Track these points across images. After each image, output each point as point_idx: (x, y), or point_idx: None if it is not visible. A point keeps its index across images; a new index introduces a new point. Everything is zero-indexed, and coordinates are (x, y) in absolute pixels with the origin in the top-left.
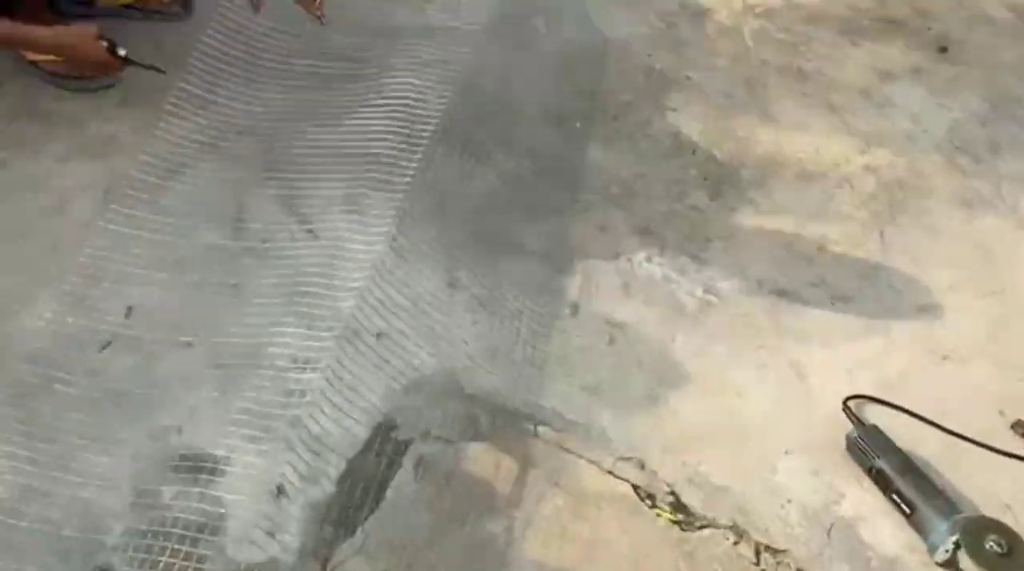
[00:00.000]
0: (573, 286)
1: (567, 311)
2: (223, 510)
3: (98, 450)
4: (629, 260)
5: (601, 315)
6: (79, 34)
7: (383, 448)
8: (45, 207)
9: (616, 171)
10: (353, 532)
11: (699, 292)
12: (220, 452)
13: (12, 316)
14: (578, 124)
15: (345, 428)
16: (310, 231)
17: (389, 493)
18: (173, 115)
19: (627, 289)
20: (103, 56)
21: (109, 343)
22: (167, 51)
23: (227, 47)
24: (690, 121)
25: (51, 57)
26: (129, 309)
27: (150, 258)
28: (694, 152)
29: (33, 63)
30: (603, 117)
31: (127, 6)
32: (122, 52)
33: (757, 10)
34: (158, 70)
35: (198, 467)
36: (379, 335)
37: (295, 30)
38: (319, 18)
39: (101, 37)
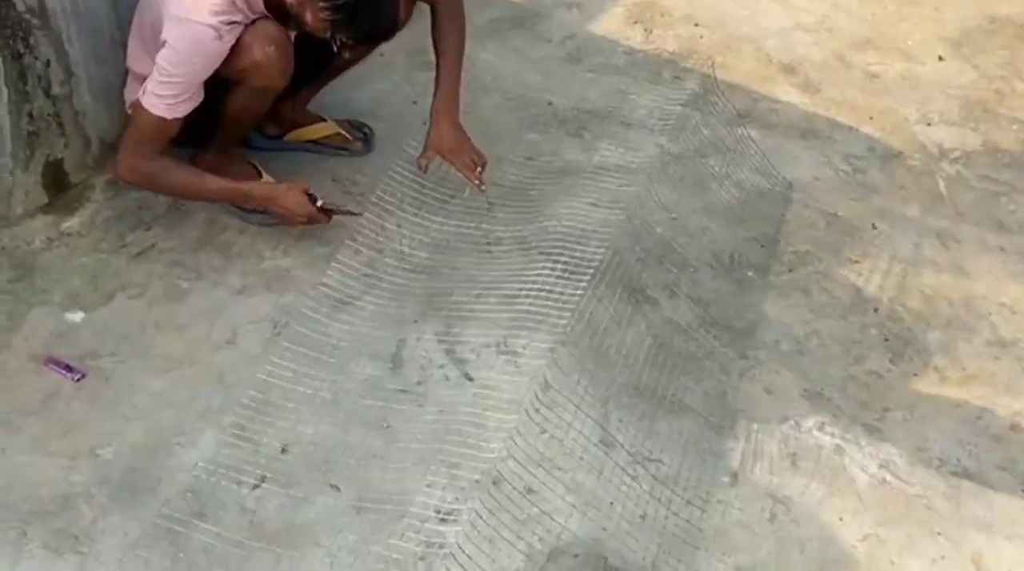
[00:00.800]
0: (735, 452)
1: (727, 480)
2: None
3: None
4: (797, 426)
5: (763, 487)
6: (289, 192)
7: None
8: (218, 340)
9: (788, 326)
10: None
11: (873, 468)
12: None
13: (175, 448)
14: (750, 273)
15: None
16: (465, 374)
17: None
18: (348, 248)
19: (793, 459)
20: (311, 211)
21: (263, 481)
22: (340, 185)
23: (404, 184)
24: (873, 275)
25: None
26: (285, 447)
27: (310, 394)
28: (876, 310)
29: None
30: (778, 266)
31: (313, 142)
32: (320, 203)
33: (953, 154)
34: (354, 214)
35: None
36: (526, 490)
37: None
38: (479, 186)
39: (307, 192)
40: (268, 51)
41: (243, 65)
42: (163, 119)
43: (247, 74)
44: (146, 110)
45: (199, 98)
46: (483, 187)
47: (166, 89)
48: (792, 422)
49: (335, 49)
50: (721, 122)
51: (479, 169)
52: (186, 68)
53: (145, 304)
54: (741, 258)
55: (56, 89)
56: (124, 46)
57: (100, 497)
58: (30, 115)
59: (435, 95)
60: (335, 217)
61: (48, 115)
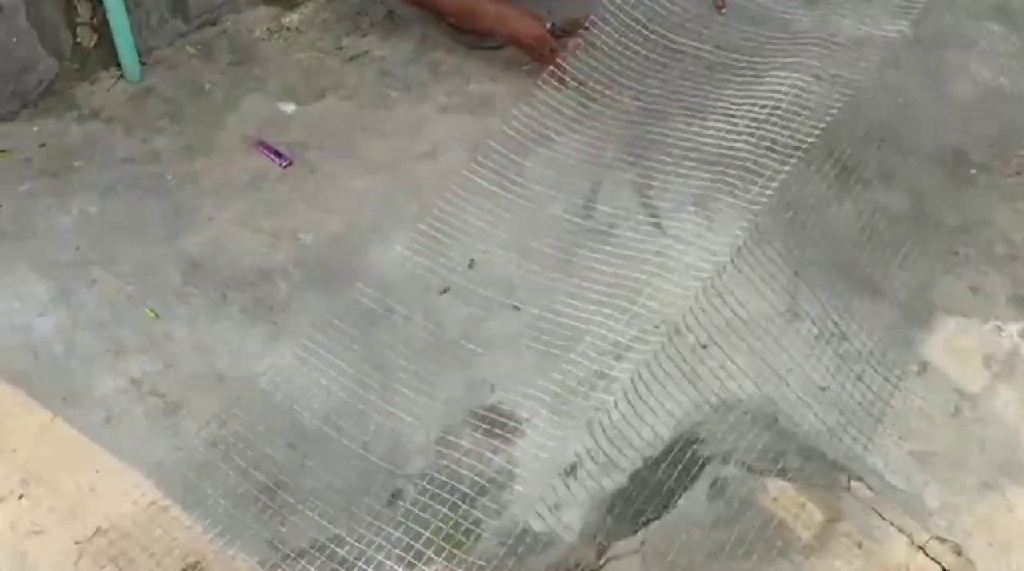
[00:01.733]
0: (928, 343)
1: (915, 368)
2: (515, 471)
3: (418, 388)
4: (999, 330)
5: (952, 381)
6: (525, 19)
7: (681, 457)
8: (419, 152)
9: (1006, 230)
10: (634, 531)
11: None
12: (525, 415)
13: (368, 245)
14: (973, 171)
15: (648, 425)
16: (657, 225)
17: (679, 504)
18: (551, 84)
19: (988, 361)
20: (544, 45)
21: (448, 289)
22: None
23: (619, 20)
24: None
25: None
26: (472, 261)
27: (501, 218)
28: None
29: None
30: (1004, 169)
31: None
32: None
33: None
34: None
35: (502, 424)
36: (704, 346)
37: (692, 11)
38: (720, 7)
39: (544, 24)
40: None
41: None
42: None
43: None
44: None
45: None
46: (724, 8)
47: None
48: (994, 324)
49: None
50: (968, 13)
51: None
52: None
53: (354, 106)
54: (966, 155)
55: None
56: None
57: (297, 276)
58: None
59: None
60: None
61: None
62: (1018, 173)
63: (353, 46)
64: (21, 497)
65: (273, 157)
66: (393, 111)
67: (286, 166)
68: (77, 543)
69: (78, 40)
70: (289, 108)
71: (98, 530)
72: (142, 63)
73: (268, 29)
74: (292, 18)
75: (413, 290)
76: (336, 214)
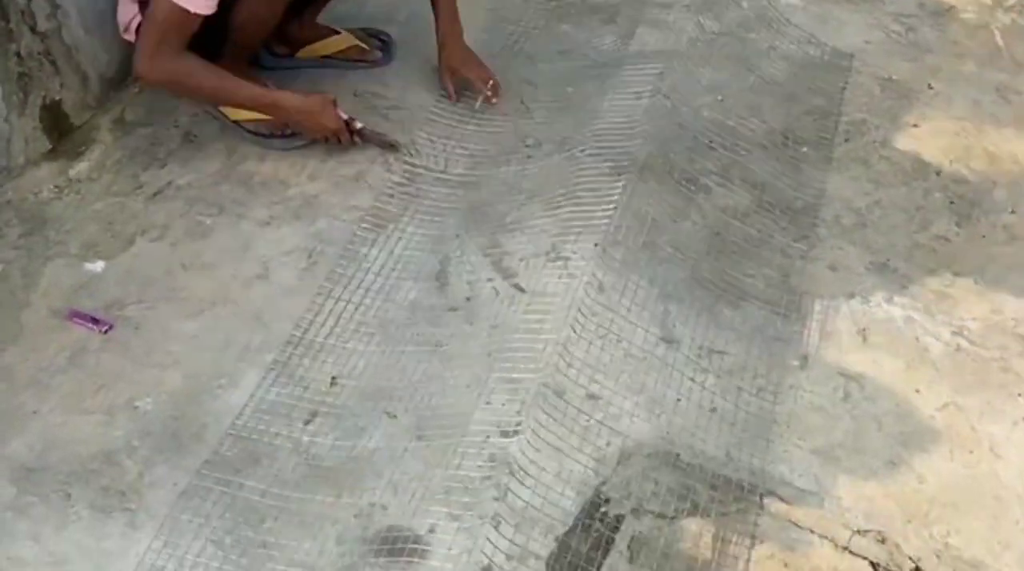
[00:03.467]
0: (802, 334)
1: (796, 363)
2: None
3: (303, 532)
4: (865, 301)
5: (834, 366)
6: (321, 103)
7: (593, 525)
8: (249, 276)
9: (849, 199)
10: None
11: (946, 335)
12: (423, 531)
13: (216, 392)
14: (805, 149)
15: (552, 502)
16: (515, 285)
17: None
18: (379, 166)
19: (864, 335)
20: (340, 126)
21: (314, 416)
22: (363, 100)
23: (428, 97)
24: (933, 137)
25: (257, 116)
26: (333, 379)
27: (355, 322)
28: (938, 173)
29: (236, 122)
30: (833, 139)
31: (326, 57)
32: (359, 125)
33: (1008, 3)
34: (394, 147)
35: (401, 549)
36: (588, 396)
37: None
38: (490, 97)
39: (336, 105)
40: None
41: None
42: (185, 12)
43: None
44: (167, 2)
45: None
46: (493, 99)
47: None
48: (859, 297)
49: None
50: None
51: (490, 82)
52: None
53: (168, 246)
54: (795, 134)
55: (43, 24)
56: None
57: (143, 450)
58: (18, 55)
59: (436, 25)
60: (366, 140)
61: (38, 54)
62: (846, 140)
63: (153, 181)
64: None
65: (90, 325)
66: (211, 239)
67: (106, 331)
68: None
69: None
70: (97, 266)
71: None
72: None
73: (56, 186)
74: (80, 168)
75: (275, 428)
76: (172, 369)
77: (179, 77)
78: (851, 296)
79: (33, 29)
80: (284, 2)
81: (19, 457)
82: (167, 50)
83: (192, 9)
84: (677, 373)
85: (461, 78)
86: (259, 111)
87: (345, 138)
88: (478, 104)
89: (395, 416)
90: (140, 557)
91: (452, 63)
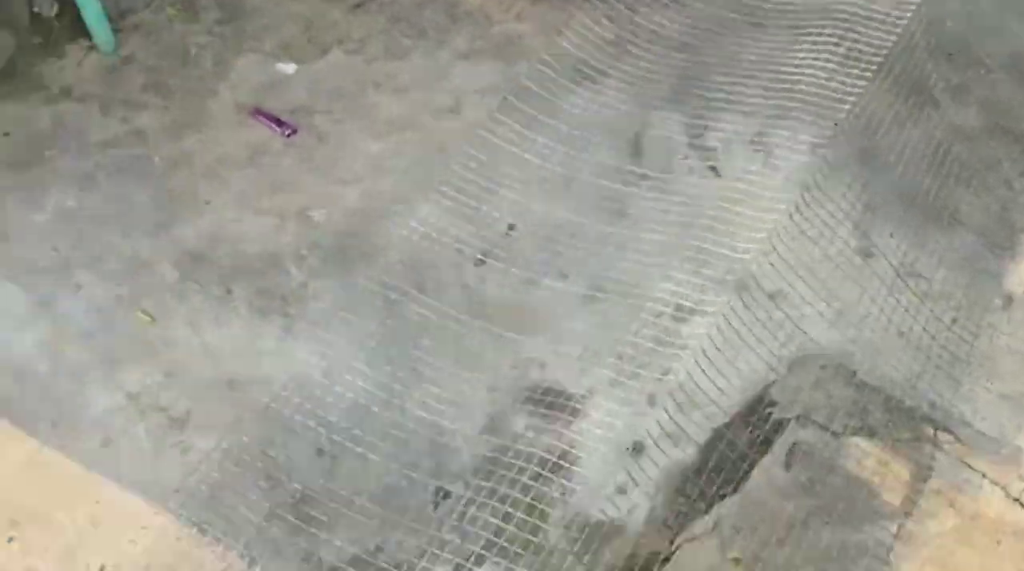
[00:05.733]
0: (1012, 273)
1: (999, 302)
2: (575, 454)
3: (458, 370)
4: None
5: None
6: None
7: (756, 423)
8: (440, 107)
9: None
10: (708, 509)
11: None
12: (582, 393)
13: (392, 216)
14: None
15: (720, 391)
16: (711, 167)
17: (755, 474)
18: (587, 15)
19: None
20: None
21: (484, 260)
22: None
23: None
24: None
25: None
26: (511, 226)
27: (540, 171)
28: None
29: None
30: None
31: None
32: None
33: None
34: None
35: (557, 404)
36: (774, 294)
37: None
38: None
39: None
40: None
41: None
42: None
43: None
44: None
45: None
46: None
47: None
48: None
49: None
50: None
51: None
52: None
53: (364, 60)
54: None
55: None
56: None
57: (311, 260)
58: None
59: None
60: None
61: None
62: None
63: None
64: (11, 540)
65: (274, 126)
66: (408, 62)
67: (289, 135)
68: None
69: (35, 10)
70: (289, 68)
71: (102, 569)
72: (115, 31)
73: None
74: None
75: (445, 264)
76: (350, 186)
77: None
78: None
79: None
80: None
81: (186, 243)
82: None
83: None
84: (872, 288)
85: None
86: None
87: None
88: None
89: (567, 276)
90: (291, 361)
91: None
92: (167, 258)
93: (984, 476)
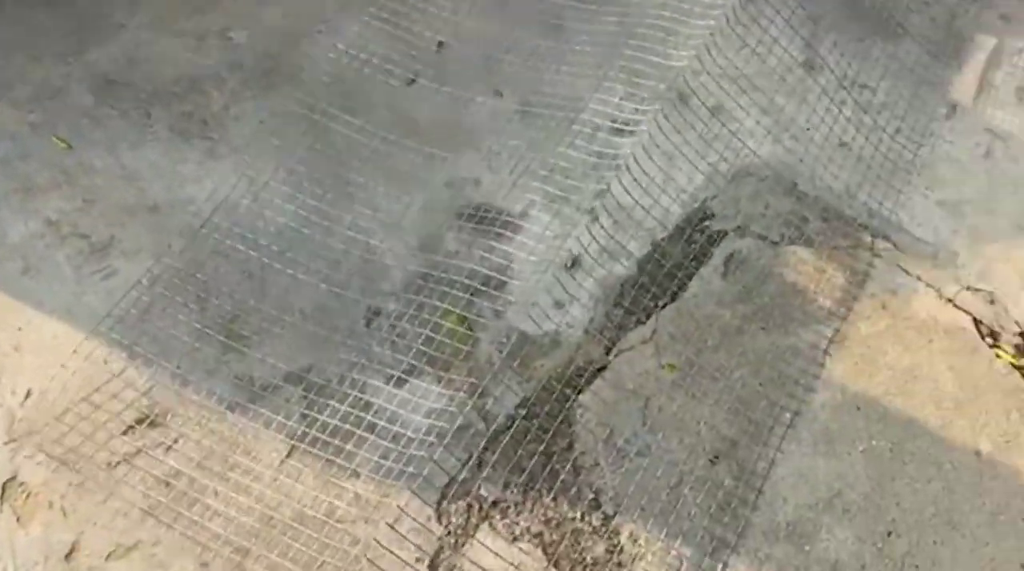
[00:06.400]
0: (956, 82)
1: (943, 111)
2: (511, 268)
3: (390, 190)
4: None
5: (982, 121)
6: None
7: (693, 235)
8: None
9: None
10: (645, 320)
11: None
12: (517, 208)
13: (316, 36)
14: None
15: (657, 204)
16: None
17: (692, 285)
18: None
19: (1021, 95)
20: None
21: (415, 79)
22: None
23: None
24: None
25: None
26: (440, 43)
27: None
28: None
29: None
30: None
31: None
32: None
33: None
34: None
35: (491, 219)
36: (714, 108)
37: None
38: None
39: None
40: None
41: None
42: None
43: None
44: None
45: None
46: None
47: None
48: None
49: None
50: None
51: None
52: None
53: None
54: None
55: None
56: None
57: (232, 82)
58: None
59: None
60: None
61: None
62: None
63: None
64: None
65: None
66: None
67: None
68: (5, 408)
69: None
70: None
71: (29, 394)
72: None
73: None
74: None
75: (374, 84)
76: (272, 4)
77: None
78: (1019, 52)
79: None
80: None
81: (100, 67)
82: None
83: None
84: (813, 98)
85: None
86: None
87: None
88: None
89: (501, 94)
90: (215, 184)
91: None
92: (81, 83)
93: (919, 279)
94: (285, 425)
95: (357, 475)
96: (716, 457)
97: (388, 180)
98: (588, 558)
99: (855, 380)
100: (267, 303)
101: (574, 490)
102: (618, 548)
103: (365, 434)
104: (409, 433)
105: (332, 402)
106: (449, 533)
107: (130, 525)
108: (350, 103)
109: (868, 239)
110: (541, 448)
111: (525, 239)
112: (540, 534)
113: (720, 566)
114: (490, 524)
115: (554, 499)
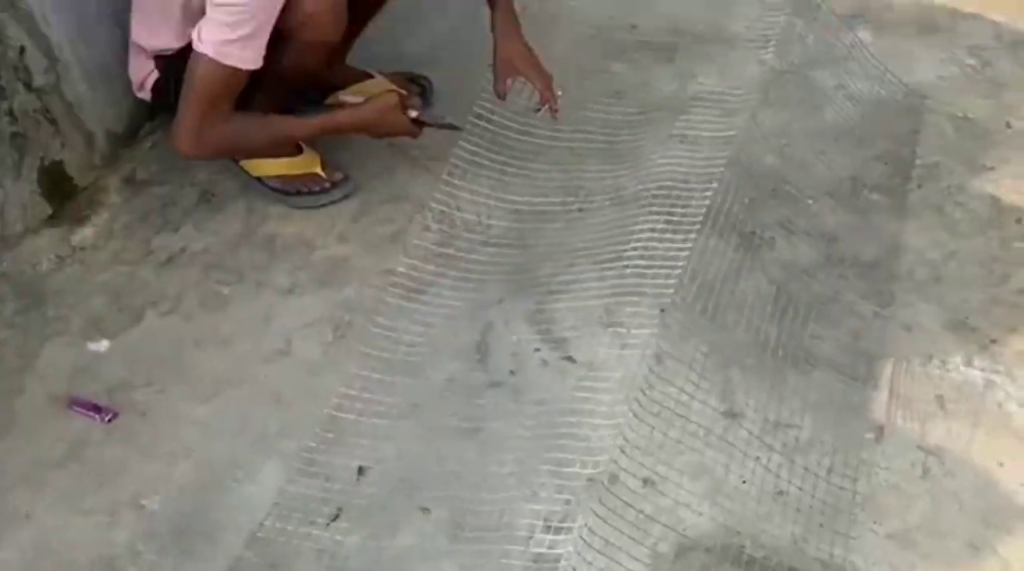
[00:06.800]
0: (877, 403)
1: (871, 436)
2: None
3: None
4: (943, 364)
5: (912, 438)
6: (388, 104)
7: None
8: (269, 352)
9: (922, 252)
10: None
11: None
12: None
13: (231, 486)
14: (875, 197)
15: None
16: (566, 356)
17: None
18: (416, 225)
19: (941, 402)
20: (406, 126)
21: (339, 514)
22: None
23: (478, 147)
24: (1013, 181)
25: (281, 171)
26: (361, 469)
27: (384, 404)
28: (1018, 221)
29: (259, 179)
30: (905, 185)
31: None
32: (413, 114)
33: None
34: (454, 127)
35: None
36: (644, 483)
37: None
38: (555, 110)
39: (401, 104)
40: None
41: (296, 19)
42: (234, 71)
43: (299, 28)
44: (210, 62)
45: (264, 46)
46: (558, 113)
47: (237, 29)
48: (937, 360)
49: None
50: (828, 28)
51: (557, 92)
52: None
53: (180, 319)
54: (864, 181)
55: (39, 80)
56: (115, 19)
57: (149, 554)
58: (11, 114)
59: (492, 18)
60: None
61: (34, 111)
62: (920, 186)
63: (165, 246)
64: None
65: (91, 413)
66: (228, 311)
67: (109, 420)
68: None
69: None
70: (101, 346)
71: None
72: None
73: (57, 256)
74: (84, 234)
75: (297, 527)
76: (182, 460)
77: (230, 142)
78: (928, 359)
79: (28, 86)
80: (327, 50)
81: (8, 567)
82: (213, 118)
83: (243, 67)
84: (739, 452)
85: (518, 76)
86: (329, 135)
87: (416, 133)
88: (540, 113)
89: (428, 510)
90: None
91: (510, 56)
92: None
93: None
94: None
95: None
96: None
97: None
98: None
99: None
100: None
101: None
102: None
103: None
104: None
105: None
106: None
107: None
108: (274, 558)
109: None
110: None
111: None
112: None
113: None
114: None
115: None
